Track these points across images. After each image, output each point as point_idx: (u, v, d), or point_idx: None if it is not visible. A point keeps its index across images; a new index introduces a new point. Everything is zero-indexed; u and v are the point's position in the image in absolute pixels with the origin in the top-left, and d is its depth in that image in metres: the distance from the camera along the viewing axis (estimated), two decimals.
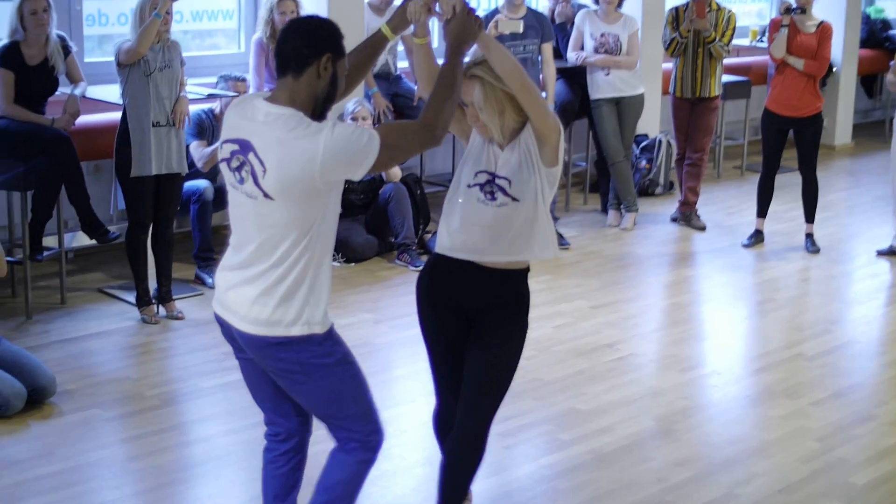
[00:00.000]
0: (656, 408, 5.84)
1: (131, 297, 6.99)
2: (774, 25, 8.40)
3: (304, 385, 3.73)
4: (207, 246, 7.38)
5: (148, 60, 6.46)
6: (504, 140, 4.04)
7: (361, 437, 3.83)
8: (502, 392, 4.21)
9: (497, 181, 4.05)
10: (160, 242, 6.79)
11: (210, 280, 7.28)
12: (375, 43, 4.09)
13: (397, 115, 8.54)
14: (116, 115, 7.07)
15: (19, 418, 5.49)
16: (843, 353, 6.63)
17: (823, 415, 5.79)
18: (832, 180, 10.59)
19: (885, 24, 12.75)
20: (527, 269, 4.20)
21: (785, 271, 8.23)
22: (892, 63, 8.33)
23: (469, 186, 4.10)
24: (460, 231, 4.11)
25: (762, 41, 11.06)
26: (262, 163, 3.52)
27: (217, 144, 7.03)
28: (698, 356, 6.57)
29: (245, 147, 3.56)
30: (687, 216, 9.14)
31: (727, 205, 9.85)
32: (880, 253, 8.50)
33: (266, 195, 3.53)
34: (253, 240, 3.64)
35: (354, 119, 7.94)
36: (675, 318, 7.24)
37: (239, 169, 3.59)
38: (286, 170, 3.48)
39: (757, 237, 8.69)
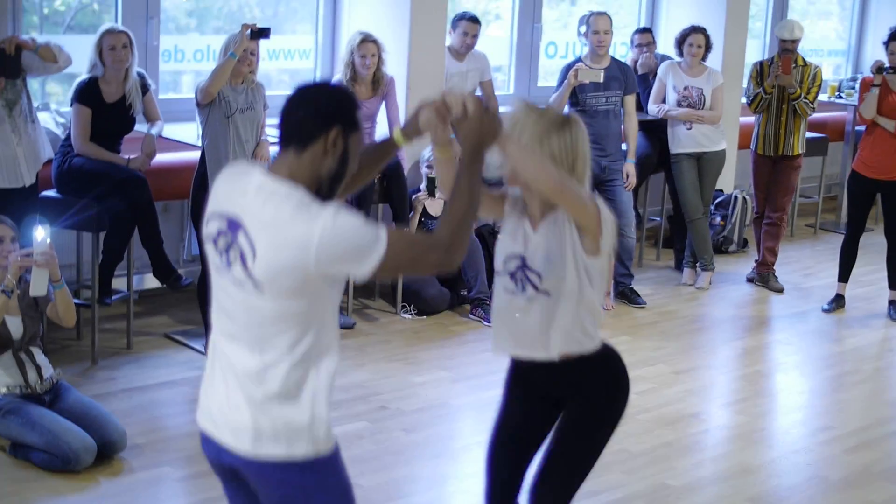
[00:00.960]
0: (749, 487, 5.56)
1: (199, 345, 6.79)
2: (865, 85, 8.15)
3: None
4: None
5: (229, 101, 6.29)
6: (536, 207, 3.69)
7: None
8: (571, 479, 3.84)
9: (527, 271, 3.70)
10: None
11: None
12: (384, 147, 3.54)
13: None
14: (190, 155, 6.92)
15: (88, 474, 5.27)
16: None
17: None
18: None
19: None
20: (598, 352, 3.79)
21: (868, 340, 7.94)
22: None
23: (499, 274, 3.78)
24: (498, 326, 3.82)
25: (840, 97, 10.81)
26: (251, 245, 2.99)
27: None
28: (785, 431, 6.28)
29: (233, 225, 3.04)
30: (764, 277, 8.87)
31: (803, 265, 9.57)
32: None
33: (256, 284, 3.00)
34: (242, 338, 3.08)
35: (430, 167, 7.73)
36: (759, 389, 6.97)
37: (227, 251, 3.05)
38: (278, 256, 2.96)
39: (838, 302, 8.40)
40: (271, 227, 2.98)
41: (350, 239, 2.96)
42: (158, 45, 7.55)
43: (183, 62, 7.75)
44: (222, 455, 3.18)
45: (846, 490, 5.61)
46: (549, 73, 9.68)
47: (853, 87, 11.15)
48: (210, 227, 3.13)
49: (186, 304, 7.53)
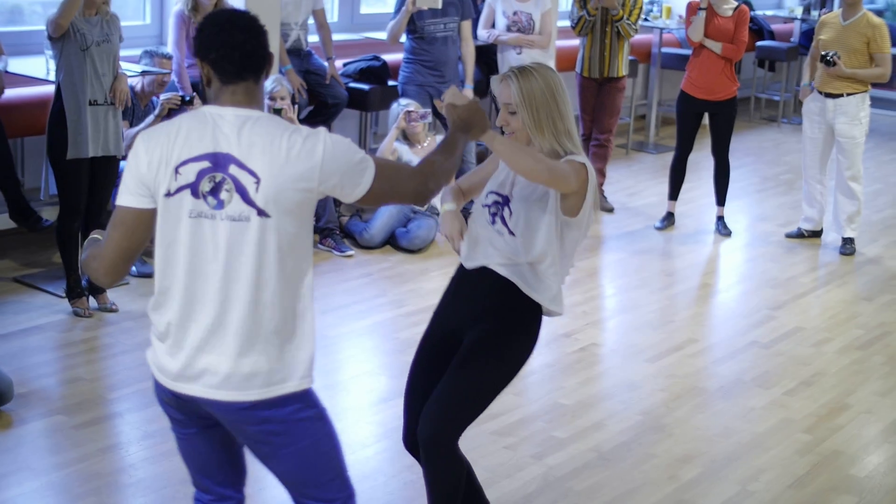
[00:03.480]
0: (638, 401, 5.73)
1: (53, 288, 6.54)
2: (692, 9, 8.36)
3: (284, 448, 3.17)
4: None
5: (84, 34, 6.00)
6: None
7: None
8: (465, 407, 3.84)
9: (504, 208, 3.81)
10: (94, 230, 6.30)
11: (133, 268, 6.85)
12: None
13: (310, 93, 8.21)
14: (31, 90, 6.63)
15: None
16: (793, 341, 6.62)
17: (800, 405, 5.78)
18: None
19: (748, 5, 12.88)
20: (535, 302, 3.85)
21: (704, 255, 8.24)
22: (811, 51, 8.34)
23: (483, 206, 3.89)
24: (470, 246, 3.90)
25: (646, 20, 11.04)
26: (252, 172, 2.99)
27: (144, 125, 6.65)
28: (657, 345, 6.45)
29: (221, 161, 3.00)
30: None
31: (624, 185, 9.80)
32: (789, 236, 8.59)
33: (261, 212, 3.00)
34: (240, 281, 3.03)
35: (272, 99, 7.56)
36: (616, 306, 7.15)
37: (215, 191, 3.01)
38: (283, 174, 2.99)
39: (669, 219, 8.66)
40: (270, 148, 3.01)
41: (349, 156, 3.07)
42: None
43: None
44: (199, 404, 3.15)
45: (726, 399, 5.84)
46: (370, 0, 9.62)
47: (652, 10, 11.44)
48: (184, 174, 3.04)
49: (26, 245, 7.22)
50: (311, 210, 3.11)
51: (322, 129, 3.07)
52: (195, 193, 3.03)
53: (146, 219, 3.12)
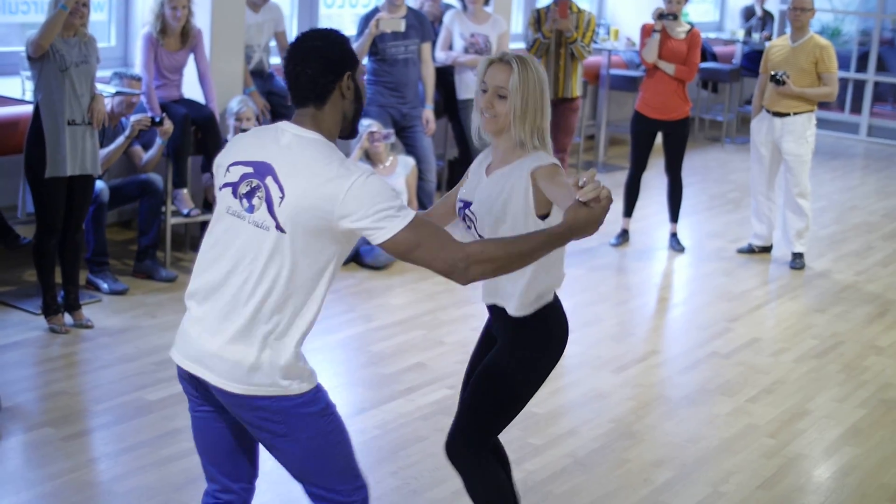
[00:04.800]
0: (608, 409, 5.91)
1: (27, 305, 6.62)
2: (646, 31, 8.60)
3: (284, 438, 3.33)
4: (102, 250, 7.01)
5: (63, 55, 6.11)
6: (499, 155, 3.84)
7: (345, 497, 3.43)
8: (486, 411, 3.95)
9: (466, 211, 3.88)
10: (70, 248, 6.42)
11: (105, 285, 6.95)
12: None
13: (273, 114, 8.34)
14: (2, 110, 6.70)
15: None
16: (752, 351, 6.85)
17: (763, 412, 5.99)
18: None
19: None
20: (535, 312, 3.94)
21: (658, 269, 8.48)
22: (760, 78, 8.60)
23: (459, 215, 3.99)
24: None
25: (595, 42, 11.29)
26: (280, 188, 3.17)
27: (114, 146, 6.79)
28: (622, 356, 6.65)
29: (262, 170, 3.21)
30: None
31: None
32: (740, 251, 8.84)
33: (279, 226, 3.17)
34: (249, 281, 3.22)
35: (239, 119, 7.69)
36: (583, 319, 7.29)
37: (249, 195, 3.22)
38: (308, 196, 3.14)
39: (623, 236, 8.89)
40: (305, 171, 3.18)
41: (378, 199, 3.15)
42: None
43: None
44: (207, 385, 3.32)
45: (693, 406, 6.04)
46: (327, 23, 9.77)
47: (599, 33, 11.70)
48: (232, 174, 3.29)
49: None
50: (329, 240, 3.20)
51: (364, 169, 3.19)
52: (234, 193, 3.27)
53: None
